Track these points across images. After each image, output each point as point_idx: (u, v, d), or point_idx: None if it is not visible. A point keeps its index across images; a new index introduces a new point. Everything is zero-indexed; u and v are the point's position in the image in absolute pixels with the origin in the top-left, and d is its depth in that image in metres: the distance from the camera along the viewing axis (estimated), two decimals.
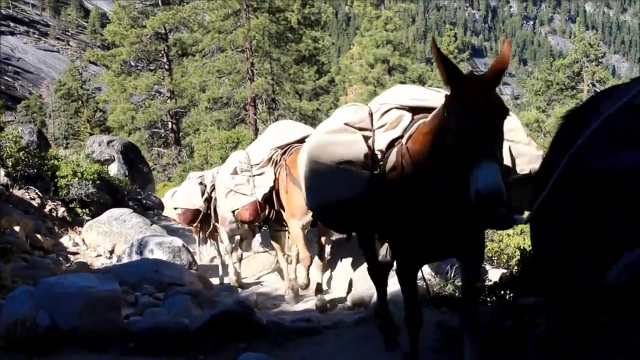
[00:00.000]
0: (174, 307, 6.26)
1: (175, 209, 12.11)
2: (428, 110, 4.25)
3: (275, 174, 8.00)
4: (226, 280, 10.78)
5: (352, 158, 4.49)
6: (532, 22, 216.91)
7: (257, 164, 8.28)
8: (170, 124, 38.18)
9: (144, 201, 18.71)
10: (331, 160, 4.56)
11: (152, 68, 38.43)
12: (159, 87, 37.88)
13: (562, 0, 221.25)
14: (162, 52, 37.96)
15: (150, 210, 18.25)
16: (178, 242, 10.38)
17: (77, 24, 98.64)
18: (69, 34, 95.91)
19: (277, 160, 7.98)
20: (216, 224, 11.03)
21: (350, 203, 4.54)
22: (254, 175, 8.27)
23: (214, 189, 10.57)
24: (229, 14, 31.68)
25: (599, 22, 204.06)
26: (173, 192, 16.19)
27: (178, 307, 6.24)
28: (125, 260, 9.82)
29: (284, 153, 7.93)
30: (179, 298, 6.59)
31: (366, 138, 4.57)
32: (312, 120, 31.69)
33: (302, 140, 7.39)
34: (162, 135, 38.71)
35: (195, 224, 11.97)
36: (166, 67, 38.11)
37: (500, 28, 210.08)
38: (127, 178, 19.66)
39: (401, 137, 4.36)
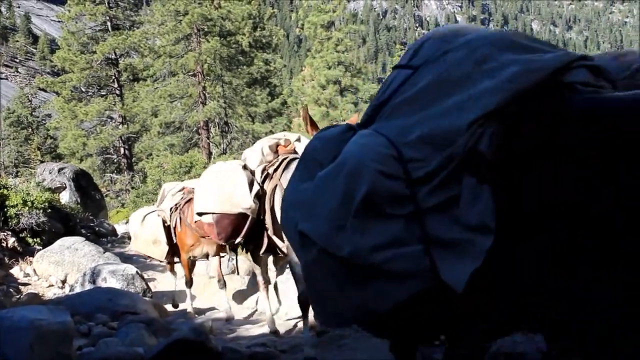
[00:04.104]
0: (128, 337, 6.16)
1: (200, 215, 7.38)
2: None
3: None
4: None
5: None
6: None
7: None
8: (122, 149, 37.77)
9: (97, 229, 18.46)
10: None
11: (103, 94, 37.92)
12: (110, 112, 37.49)
13: (509, 19, 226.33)
14: (113, 77, 37.62)
15: (104, 237, 18.02)
16: (132, 269, 10.26)
17: (26, 51, 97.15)
18: (18, 60, 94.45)
19: None
20: (275, 239, 6.72)
21: None
22: None
23: (266, 177, 6.91)
24: (179, 38, 31.63)
25: (546, 39, 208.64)
26: (141, 215, 10.60)
27: (132, 336, 6.14)
28: (78, 289, 9.66)
29: None
30: (133, 327, 6.48)
31: None
32: None
33: None
34: (115, 161, 38.29)
35: (238, 240, 7.34)
36: (117, 92, 37.74)
37: None
38: (79, 206, 19.39)
39: None
